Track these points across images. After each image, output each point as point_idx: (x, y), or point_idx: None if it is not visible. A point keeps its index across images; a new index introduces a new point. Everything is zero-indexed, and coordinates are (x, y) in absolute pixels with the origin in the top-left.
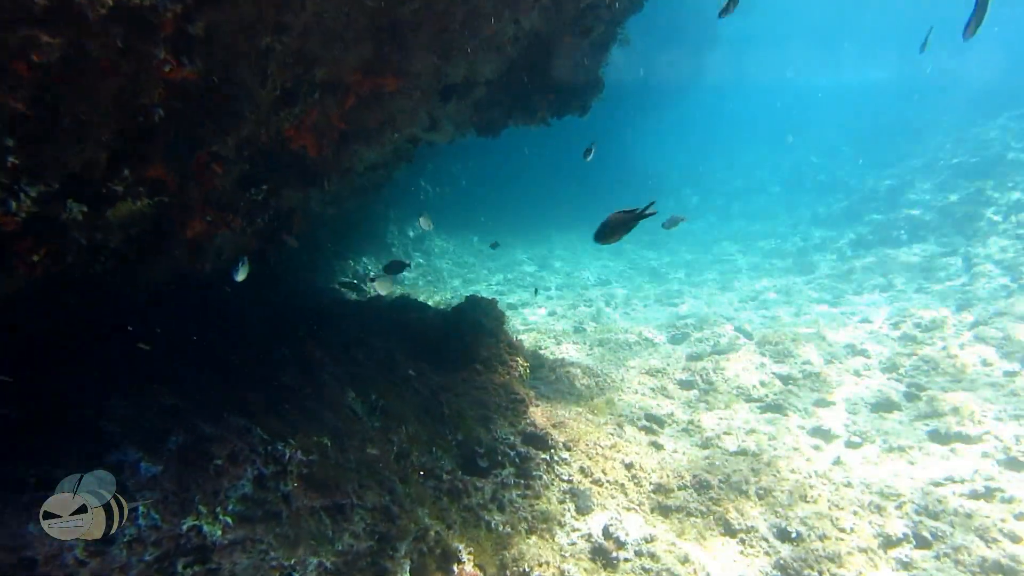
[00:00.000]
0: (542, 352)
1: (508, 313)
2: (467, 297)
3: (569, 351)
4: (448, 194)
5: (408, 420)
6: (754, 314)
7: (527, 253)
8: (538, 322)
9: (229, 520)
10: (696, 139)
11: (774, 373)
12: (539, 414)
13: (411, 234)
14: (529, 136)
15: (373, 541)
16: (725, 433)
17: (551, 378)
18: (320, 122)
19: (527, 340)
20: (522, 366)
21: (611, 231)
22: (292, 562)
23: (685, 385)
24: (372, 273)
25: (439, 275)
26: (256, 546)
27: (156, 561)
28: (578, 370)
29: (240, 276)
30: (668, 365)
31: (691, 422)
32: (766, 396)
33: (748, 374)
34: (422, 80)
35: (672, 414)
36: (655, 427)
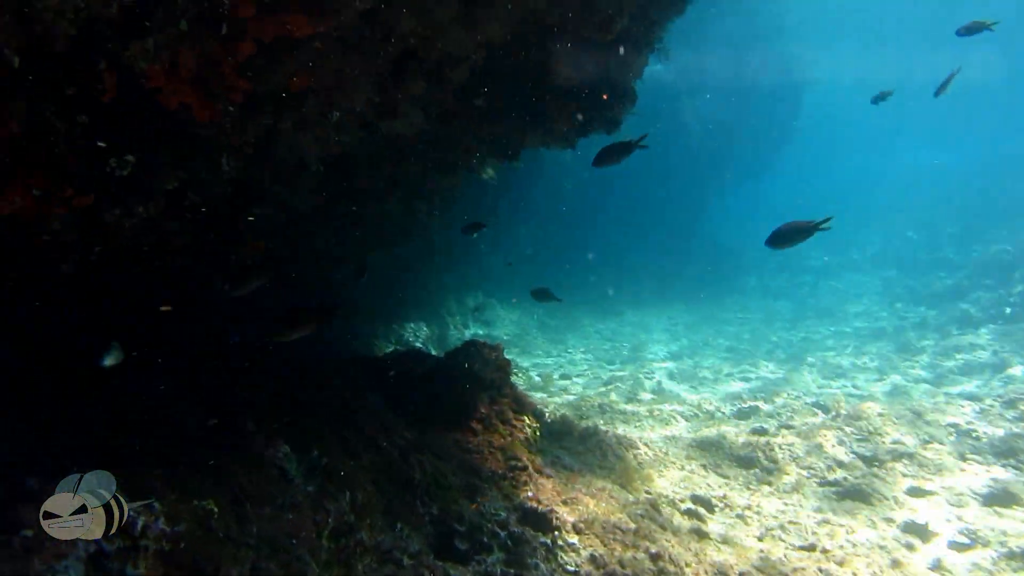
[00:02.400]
0: (578, 421)
1: (559, 383)
2: (465, 342)
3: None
4: (511, 261)
5: (359, 485)
6: (839, 392)
7: (594, 327)
8: (584, 390)
9: None
10: (779, 213)
11: (855, 453)
12: (548, 486)
13: (470, 303)
14: (602, 202)
15: None
16: (790, 523)
17: (579, 448)
18: (205, 72)
19: (564, 409)
20: (530, 427)
21: (785, 238)
22: None
23: (744, 462)
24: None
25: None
26: None
27: None
28: (613, 439)
29: (108, 361)
30: (726, 438)
31: (748, 507)
32: (845, 479)
33: (823, 452)
34: (344, 16)
35: (725, 496)
36: (702, 511)
